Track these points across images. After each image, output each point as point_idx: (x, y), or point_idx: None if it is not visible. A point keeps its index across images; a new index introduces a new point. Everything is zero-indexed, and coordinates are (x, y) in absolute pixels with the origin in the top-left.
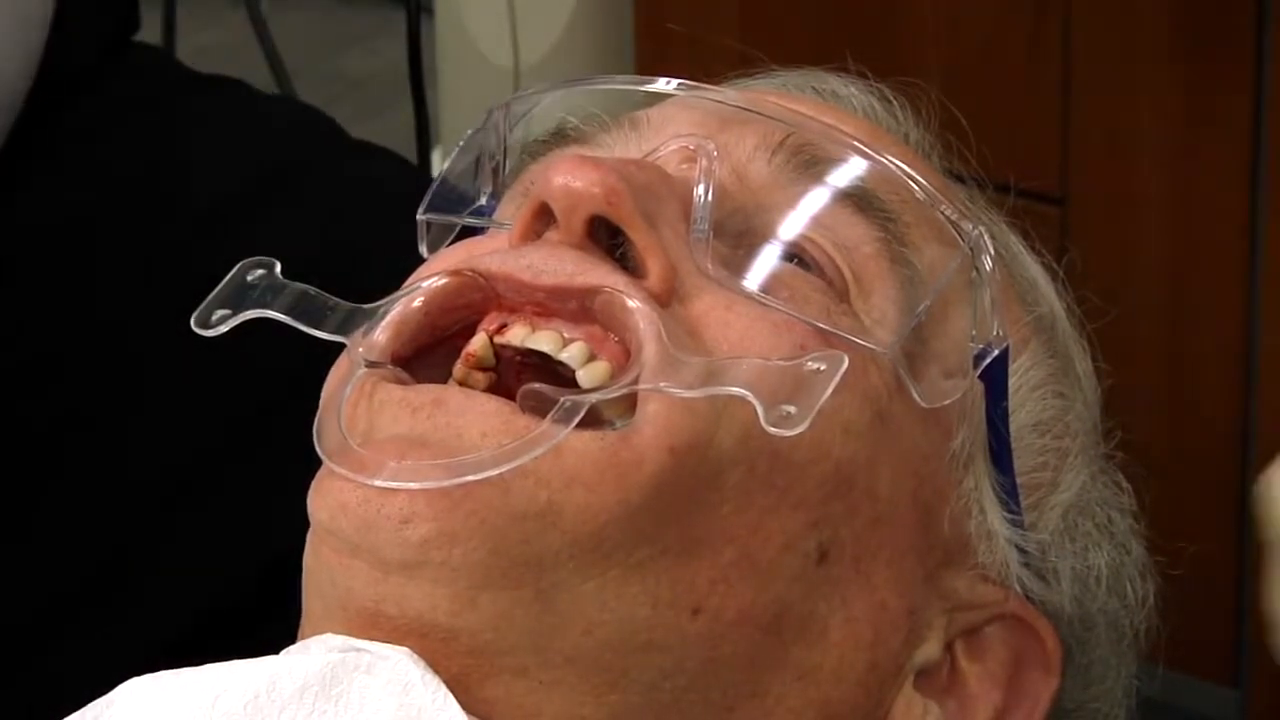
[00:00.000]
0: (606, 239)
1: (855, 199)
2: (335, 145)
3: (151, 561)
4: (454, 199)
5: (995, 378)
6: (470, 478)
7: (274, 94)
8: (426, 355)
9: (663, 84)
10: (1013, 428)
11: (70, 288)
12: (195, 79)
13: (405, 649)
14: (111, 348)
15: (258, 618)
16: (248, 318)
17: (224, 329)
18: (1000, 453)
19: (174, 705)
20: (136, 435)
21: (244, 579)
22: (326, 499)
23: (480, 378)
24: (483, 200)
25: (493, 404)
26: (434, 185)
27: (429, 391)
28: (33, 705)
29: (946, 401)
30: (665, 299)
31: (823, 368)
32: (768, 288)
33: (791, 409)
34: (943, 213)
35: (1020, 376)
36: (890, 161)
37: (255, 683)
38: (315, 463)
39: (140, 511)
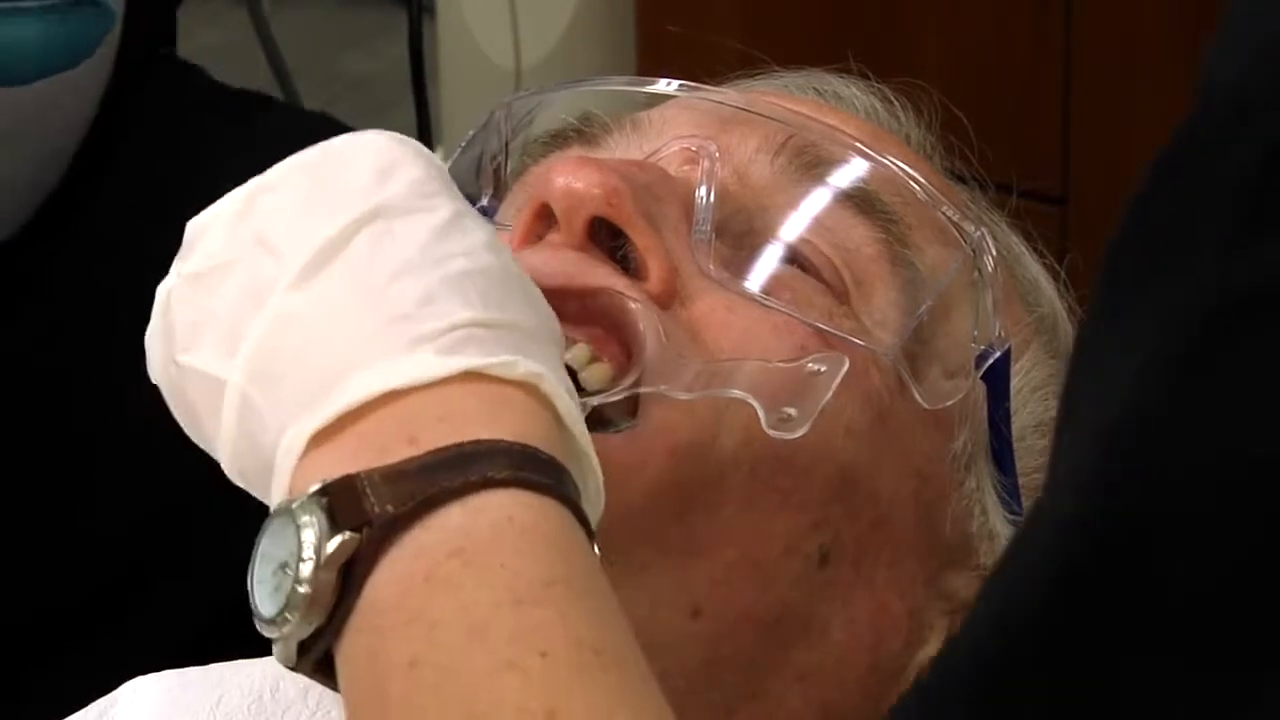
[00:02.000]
0: (608, 240)
1: (857, 201)
2: None
3: (176, 562)
4: None
5: (997, 378)
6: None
7: (307, 110)
8: None
9: (664, 85)
10: (1014, 428)
11: (98, 299)
12: (225, 94)
13: None
14: (140, 360)
15: None
16: None
17: None
18: (1002, 453)
19: (178, 704)
20: (164, 439)
21: None
22: None
23: None
24: (484, 201)
25: None
26: None
27: None
28: (61, 698)
29: (948, 403)
30: (666, 300)
31: (823, 369)
32: (769, 289)
33: (793, 411)
34: (944, 214)
35: (1022, 377)
36: (892, 163)
37: (259, 682)
38: None
39: (167, 513)
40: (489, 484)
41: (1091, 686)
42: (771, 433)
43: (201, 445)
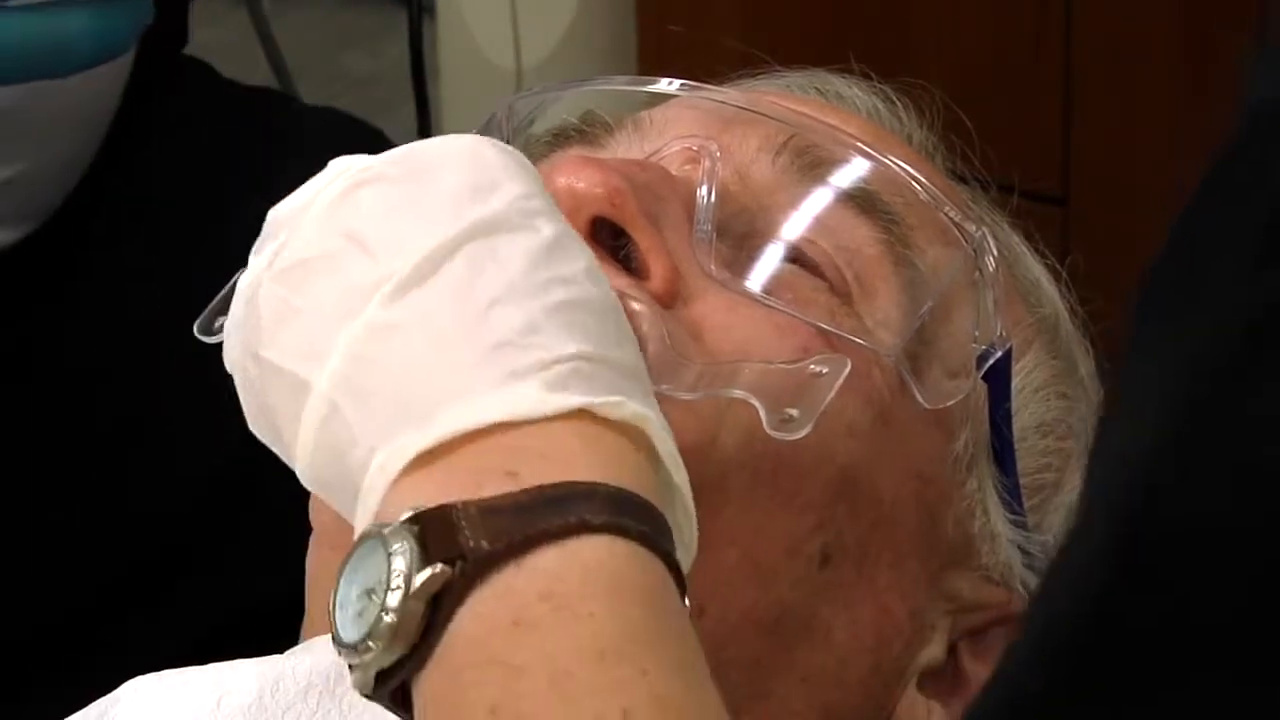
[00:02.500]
0: (610, 240)
1: (858, 201)
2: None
3: (191, 560)
4: None
5: (998, 379)
6: None
7: (316, 105)
8: None
9: (665, 84)
10: (1016, 429)
11: (124, 295)
12: (239, 91)
13: None
14: (159, 356)
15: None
16: None
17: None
18: (1003, 454)
19: (179, 704)
20: (184, 440)
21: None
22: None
23: None
24: None
25: None
26: None
27: None
28: (62, 699)
29: (949, 403)
30: (668, 300)
31: (825, 371)
32: (771, 289)
33: (794, 412)
34: (946, 214)
35: (1023, 378)
36: (893, 163)
37: (259, 682)
38: None
39: (185, 512)
40: (585, 528)
41: (1139, 708)
42: (773, 433)
43: (266, 442)
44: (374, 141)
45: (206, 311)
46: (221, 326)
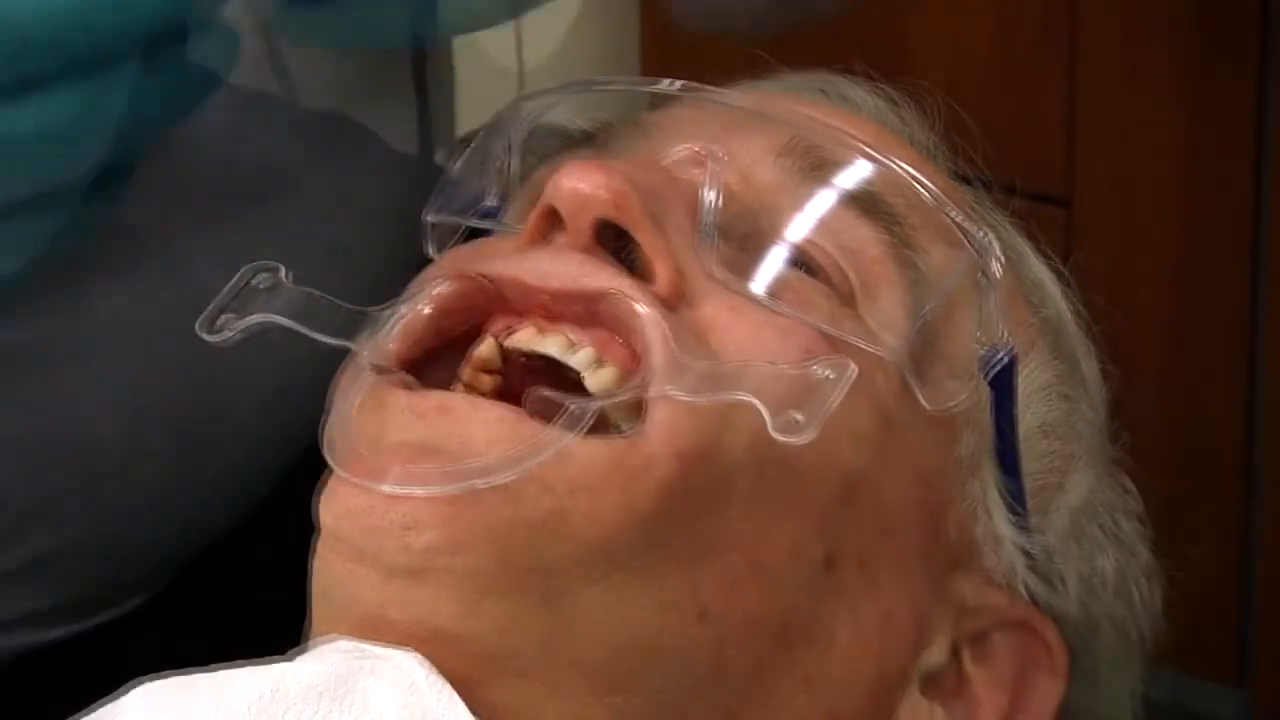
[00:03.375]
0: (613, 242)
1: (862, 202)
2: (363, 150)
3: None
4: (460, 200)
5: (1002, 381)
6: (476, 483)
7: (316, 109)
8: (434, 358)
9: (669, 86)
10: (1019, 431)
11: (125, 301)
12: (236, 94)
13: (411, 650)
14: (161, 358)
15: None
16: (252, 323)
17: (229, 334)
18: (1007, 456)
19: (180, 707)
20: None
21: (284, 579)
22: (333, 504)
23: (487, 380)
24: (489, 201)
25: (497, 411)
26: (439, 186)
27: (434, 398)
28: (63, 699)
29: (953, 405)
30: (672, 302)
31: (830, 375)
32: (774, 291)
33: (799, 416)
34: (950, 216)
35: (1027, 379)
36: (897, 164)
37: (261, 685)
38: None
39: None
40: None
41: None
42: (778, 437)
43: None
44: (367, 143)
45: (209, 309)
46: (225, 325)
